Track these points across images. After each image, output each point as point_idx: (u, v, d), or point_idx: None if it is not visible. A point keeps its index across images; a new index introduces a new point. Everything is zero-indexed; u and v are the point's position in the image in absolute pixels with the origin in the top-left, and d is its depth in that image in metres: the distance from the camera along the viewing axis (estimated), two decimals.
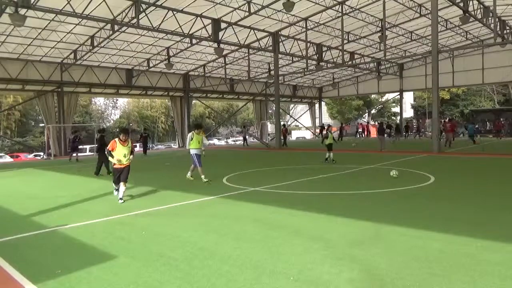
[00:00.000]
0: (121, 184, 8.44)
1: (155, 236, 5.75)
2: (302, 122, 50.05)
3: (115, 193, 8.92)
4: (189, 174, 11.88)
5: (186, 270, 4.30)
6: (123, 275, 4.23)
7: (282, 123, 36.60)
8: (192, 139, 11.44)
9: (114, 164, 8.50)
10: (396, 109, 58.10)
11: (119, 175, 8.51)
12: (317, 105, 47.58)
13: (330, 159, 15.49)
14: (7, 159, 33.39)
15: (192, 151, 11.41)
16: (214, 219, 6.70)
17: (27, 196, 10.06)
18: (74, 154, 21.39)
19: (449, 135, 23.76)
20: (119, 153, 8.37)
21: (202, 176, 11.23)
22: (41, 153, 33.10)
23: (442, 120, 26.76)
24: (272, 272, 4.17)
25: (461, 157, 17.36)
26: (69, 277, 4.21)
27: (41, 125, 45.11)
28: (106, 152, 8.55)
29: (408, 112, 62.21)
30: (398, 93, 40.28)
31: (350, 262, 4.39)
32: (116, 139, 8.40)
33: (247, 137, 34.96)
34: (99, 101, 64.95)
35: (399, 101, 43.86)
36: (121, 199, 8.48)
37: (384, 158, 16.92)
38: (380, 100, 61.09)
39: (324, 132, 20.89)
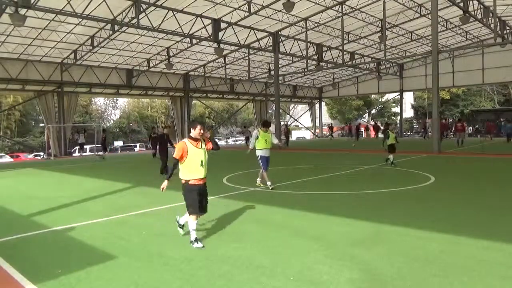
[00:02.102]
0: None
1: (155, 236, 5.75)
2: (302, 122, 50.07)
3: (182, 231, 5.64)
4: (258, 180, 10.08)
5: (186, 270, 4.30)
6: (123, 275, 4.23)
7: (282, 123, 36.71)
8: (257, 137, 9.69)
9: (187, 180, 5.23)
10: (396, 109, 58.13)
11: (202, 200, 5.31)
12: (317, 105, 47.59)
13: (390, 161, 13.89)
14: (7, 159, 33.38)
15: (258, 152, 9.68)
16: (214, 219, 6.70)
17: (27, 196, 10.06)
18: (106, 153, 22.12)
19: (462, 134, 25.44)
20: (194, 161, 5.23)
21: (268, 183, 9.58)
22: (41, 153, 33.12)
23: (456, 122, 27.87)
24: (272, 272, 4.16)
25: (461, 157, 17.36)
26: (69, 277, 4.20)
27: (41, 125, 45.13)
28: (174, 163, 5.32)
29: (408, 112, 62.23)
30: (398, 93, 40.29)
31: (350, 262, 4.39)
32: (186, 140, 5.36)
33: (249, 137, 34.87)
34: (99, 101, 65.03)
35: (399, 101, 43.88)
36: (196, 241, 5.18)
37: (384, 158, 16.91)
38: (380, 100, 61.10)
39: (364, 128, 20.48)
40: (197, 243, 5.18)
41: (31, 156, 36.43)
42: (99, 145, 27.38)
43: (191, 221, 5.27)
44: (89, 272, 4.33)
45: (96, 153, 30.52)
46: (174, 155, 5.28)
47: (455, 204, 7.46)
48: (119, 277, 4.16)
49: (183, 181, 5.26)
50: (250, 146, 9.89)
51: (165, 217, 7.08)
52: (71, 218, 7.06)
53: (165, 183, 5.33)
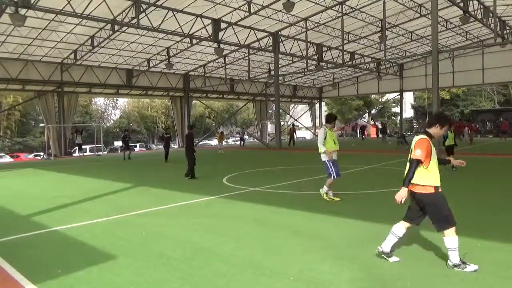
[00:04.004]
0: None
1: (155, 236, 5.75)
2: (302, 122, 50.05)
3: (392, 257, 4.34)
4: (325, 189, 8.05)
5: (186, 270, 4.30)
6: (123, 275, 4.23)
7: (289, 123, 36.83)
8: (325, 137, 7.81)
9: (437, 187, 4.16)
10: (396, 109, 58.12)
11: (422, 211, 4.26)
12: (317, 105, 47.59)
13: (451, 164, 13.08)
14: (7, 159, 33.36)
15: (324, 156, 7.87)
16: (214, 219, 6.70)
17: (27, 196, 10.06)
18: (127, 152, 21.99)
19: (472, 135, 27.53)
20: (437, 163, 4.20)
21: (328, 192, 7.98)
22: (41, 153, 33.11)
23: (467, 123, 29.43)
24: (272, 272, 4.16)
25: (461, 157, 17.32)
26: (69, 277, 4.21)
27: (41, 125, 45.10)
28: (414, 167, 4.05)
29: (408, 113, 62.20)
30: (398, 93, 40.28)
31: (350, 262, 4.39)
32: (426, 136, 4.16)
33: (245, 138, 35.18)
34: (99, 101, 65.09)
35: (399, 101, 43.88)
36: (464, 263, 4.03)
37: (383, 158, 16.92)
38: (380, 100, 61.08)
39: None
40: (468, 264, 4.01)
41: (31, 156, 36.41)
42: (100, 145, 27.35)
43: (452, 238, 4.00)
44: (89, 272, 4.33)
45: (96, 153, 30.60)
46: (416, 156, 4.00)
47: (455, 204, 7.40)
48: (119, 277, 4.16)
49: (432, 190, 4.09)
50: (321, 150, 7.80)
51: (165, 217, 7.09)
52: (71, 218, 7.06)
53: (404, 192, 4.12)
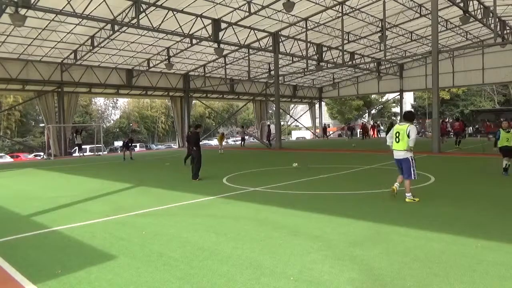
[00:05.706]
0: None
1: (155, 236, 5.74)
2: (302, 122, 50.09)
3: None
4: (408, 196, 7.72)
5: (186, 270, 4.30)
6: (123, 275, 4.23)
7: (267, 122, 37.09)
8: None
9: None
10: (396, 109, 58.15)
11: None
12: (317, 105, 47.61)
13: (507, 166, 10.97)
14: (7, 159, 33.37)
15: (408, 154, 7.62)
16: (214, 219, 6.70)
17: (27, 196, 10.06)
18: (127, 152, 22.06)
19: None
20: None
21: (408, 195, 7.73)
22: (41, 153, 33.14)
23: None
24: (272, 272, 4.16)
25: (461, 157, 17.35)
26: (69, 277, 4.21)
27: (41, 125, 45.14)
28: None
29: None
30: (398, 93, 40.29)
31: (350, 262, 4.39)
32: None
33: (245, 137, 35.16)
34: (99, 101, 65.12)
35: (399, 101, 43.89)
36: None
37: (383, 158, 16.91)
38: (380, 100, 61.11)
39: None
40: None
41: (31, 156, 36.44)
42: (100, 145, 27.35)
43: None
44: (89, 272, 4.33)
45: (96, 153, 30.62)
46: None
47: (455, 204, 7.45)
48: (119, 277, 4.16)
49: None
50: (411, 144, 7.56)
51: (165, 217, 7.09)
52: (71, 218, 7.06)
53: None
